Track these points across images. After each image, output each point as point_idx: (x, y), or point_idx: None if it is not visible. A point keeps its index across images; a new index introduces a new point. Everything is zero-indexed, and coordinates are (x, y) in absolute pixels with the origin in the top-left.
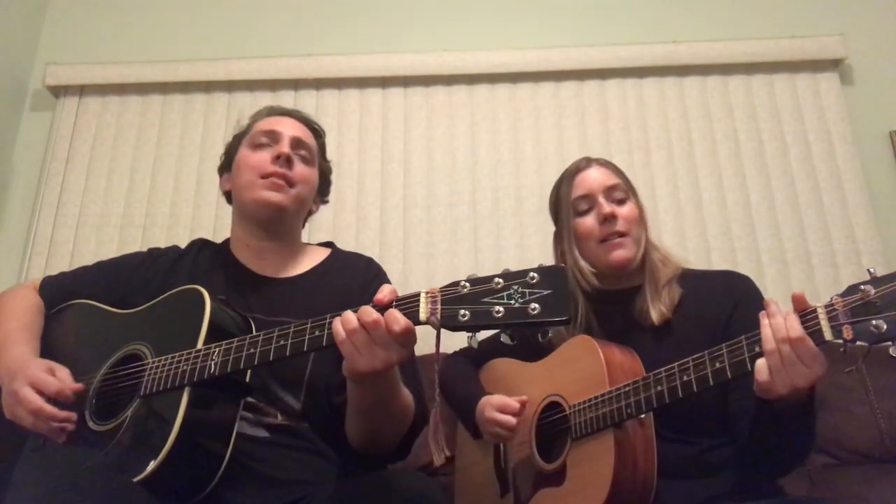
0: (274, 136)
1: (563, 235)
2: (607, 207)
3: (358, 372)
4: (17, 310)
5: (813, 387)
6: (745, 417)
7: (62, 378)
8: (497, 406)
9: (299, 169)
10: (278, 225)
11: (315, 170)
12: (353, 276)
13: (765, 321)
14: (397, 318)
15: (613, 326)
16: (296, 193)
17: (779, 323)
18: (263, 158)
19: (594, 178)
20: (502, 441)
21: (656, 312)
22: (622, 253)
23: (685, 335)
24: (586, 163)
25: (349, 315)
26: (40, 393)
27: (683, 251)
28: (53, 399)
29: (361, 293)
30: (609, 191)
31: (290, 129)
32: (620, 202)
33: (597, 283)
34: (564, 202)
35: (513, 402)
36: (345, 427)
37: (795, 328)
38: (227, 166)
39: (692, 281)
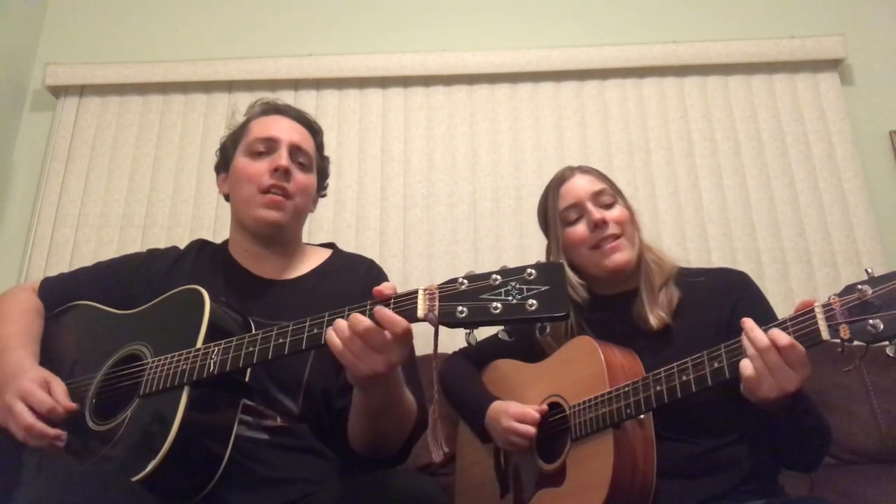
0: (271, 144)
1: (553, 248)
2: (597, 214)
3: (361, 377)
4: (15, 312)
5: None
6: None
7: (57, 394)
8: (515, 416)
9: (298, 178)
10: (277, 237)
11: (313, 175)
12: (355, 279)
13: (744, 338)
14: (396, 320)
15: (613, 332)
16: (294, 206)
17: (758, 336)
18: (261, 170)
19: (580, 185)
20: (517, 450)
21: (655, 318)
22: (619, 256)
23: (687, 340)
24: (570, 172)
25: (341, 324)
26: (32, 409)
27: (683, 251)
28: (45, 416)
29: (362, 297)
30: (596, 196)
31: (287, 133)
32: (609, 206)
33: (586, 294)
34: (552, 214)
35: (532, 413)
36: (347, 431)
37: (782, 337)
38: (223, 166)
39: (689, 282)
